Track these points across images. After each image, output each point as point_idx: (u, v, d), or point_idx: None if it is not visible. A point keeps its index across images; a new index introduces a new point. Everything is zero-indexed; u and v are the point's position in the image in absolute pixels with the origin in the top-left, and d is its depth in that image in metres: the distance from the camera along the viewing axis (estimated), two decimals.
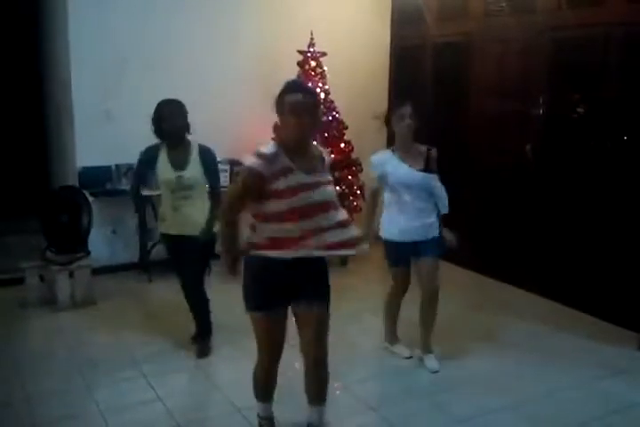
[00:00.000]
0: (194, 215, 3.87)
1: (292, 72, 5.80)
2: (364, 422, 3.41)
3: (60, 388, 3.66)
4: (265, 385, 2.99)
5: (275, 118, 2.70)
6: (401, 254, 3.90)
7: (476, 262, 5.82)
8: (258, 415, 3.09)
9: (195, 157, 3.87)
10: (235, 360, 3.93)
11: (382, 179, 3.81)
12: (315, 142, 2.94)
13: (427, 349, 4.01)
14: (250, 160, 2.63)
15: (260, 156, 2.62)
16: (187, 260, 3.97)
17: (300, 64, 5.87)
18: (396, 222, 3.83)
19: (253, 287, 2.78)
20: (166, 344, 4.22)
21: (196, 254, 3.94)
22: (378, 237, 3.93)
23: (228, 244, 2.81)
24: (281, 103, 2.64)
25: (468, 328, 4.55)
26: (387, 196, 3.90)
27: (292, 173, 2.63)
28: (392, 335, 4.17)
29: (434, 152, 3.84)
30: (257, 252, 2.71)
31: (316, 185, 2.68)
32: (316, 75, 5.87)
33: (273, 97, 2.70)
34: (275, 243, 2.67)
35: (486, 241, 5.78)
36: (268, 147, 2.67)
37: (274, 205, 2.63)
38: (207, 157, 3.91)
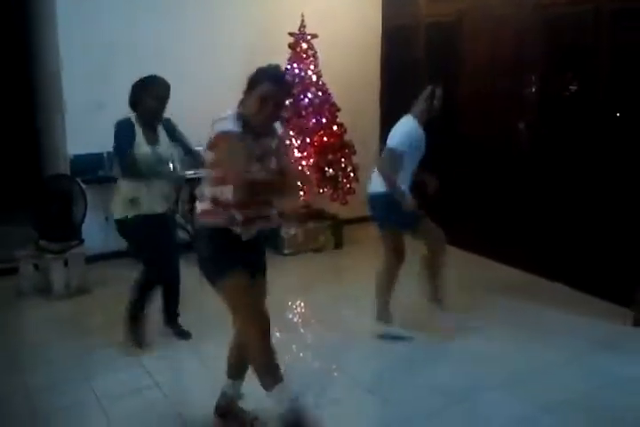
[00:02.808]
0: (169, 191, 3.89)
1: (283, 55, 5.75)
2: (361, 403, 3.43)
3: (58, 377, 3.66)
4: (272, 357, 2.74)
5: None
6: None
7: (468, 241, 5.81)
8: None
9: (161, 130, 3.87)
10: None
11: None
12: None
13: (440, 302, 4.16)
14: (223, 125, 2.65)
15: (226, 119, 2.67)
16: (168, 238, 3.98)
17: (292, 46, 5.82)
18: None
19: (223, 255, 2.78)
20: (161, 331, 4.21)
21: (174, 231, 4.12)
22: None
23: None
24: (255, 83, 2.70)
25: (461, 307, 4.54)
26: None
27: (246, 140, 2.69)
28: (387, 313, 4.10)
29: None
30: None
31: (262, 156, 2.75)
32: (308, 57, 5.83)
33: None
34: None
35: (479, 220, 5.78)
36: (228, 116, 2.70)
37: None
38: (169, 125, 3.91)
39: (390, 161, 3.85)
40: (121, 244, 5.49)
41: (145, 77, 3.79)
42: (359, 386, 3.57)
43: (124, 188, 3.81)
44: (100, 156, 5.50)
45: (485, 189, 5.72)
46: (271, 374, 2.70)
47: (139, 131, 3.76)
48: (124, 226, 3.85)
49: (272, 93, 2.67)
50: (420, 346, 4.02)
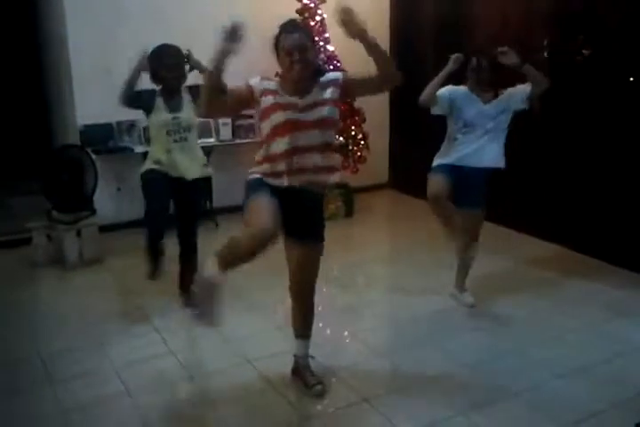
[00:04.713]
0: (189, 159, 3.90)
1: None
2: (374, 368, 3.45)
3: (74, 345, 3.71)
4: (242, 257, 2.67)
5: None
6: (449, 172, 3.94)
7: (489, 213, 5.78)
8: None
9: (187, 100, 3.89)
10: (243, 315, 3.97)
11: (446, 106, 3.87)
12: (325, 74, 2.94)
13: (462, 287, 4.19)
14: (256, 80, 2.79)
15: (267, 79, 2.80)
16: (187, 204, 4.04)
17: (299, 12, 5.74)
18: (457, 151, 3.96)
19: (255, 187, 2.78)
20: (175, 299, 4.24)
21: (196, 198, 4.23)
22: None
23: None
24: (277, 44, 2.73)
25: (476, 275, 4.55)
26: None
27: (279, 94, 2.75)
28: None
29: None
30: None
31: (308, 107, 2.76)
32: (316, 23, 5.75)
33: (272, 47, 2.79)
34: (268, 160, 2.77)
35: (493, 188, 5.74)
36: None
37: (264, 124, 2.76)
38: (195, 92, 3.88)
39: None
40: (133, 214, 5.54)
41: (154, 49, 3.81)
42: (371, 351, 3.61)
43: (150, 151, 3.98)
44: (109, 126, 5.52)
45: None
46: (226, 264, 2.66)
47: (160, 100, 3.82)
48: (141, 177, 3.93)
49: (293, 42, 2.66)
50: (434, 314, 4.05)
